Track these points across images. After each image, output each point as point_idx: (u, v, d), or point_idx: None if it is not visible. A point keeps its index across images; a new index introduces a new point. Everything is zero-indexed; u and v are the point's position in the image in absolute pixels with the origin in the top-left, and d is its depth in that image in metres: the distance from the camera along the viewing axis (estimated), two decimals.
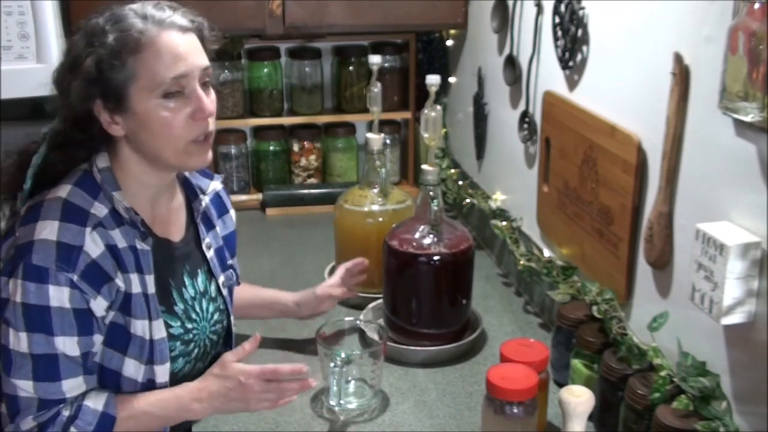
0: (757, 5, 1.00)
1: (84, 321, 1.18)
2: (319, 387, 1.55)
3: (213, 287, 1.41)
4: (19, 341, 1.15)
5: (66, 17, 1.98)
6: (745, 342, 1.12)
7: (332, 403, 1.48)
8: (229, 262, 1.48)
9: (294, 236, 2.32)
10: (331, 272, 1.99)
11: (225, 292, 1.43)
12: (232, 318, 1.46)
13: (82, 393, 1.21)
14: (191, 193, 1.41)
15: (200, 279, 1.38)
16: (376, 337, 1.59)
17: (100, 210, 1.22)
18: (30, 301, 1.14)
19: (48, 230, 1.16)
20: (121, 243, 1.23)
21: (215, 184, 1.45)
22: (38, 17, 1.77)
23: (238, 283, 1.53)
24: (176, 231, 1.36)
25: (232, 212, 1.53)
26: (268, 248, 2.24)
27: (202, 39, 1.27)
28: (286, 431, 1.44)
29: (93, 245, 1.18)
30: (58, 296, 1.15)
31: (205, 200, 1.41)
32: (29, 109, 2.27)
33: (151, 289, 1.26)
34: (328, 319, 1.60)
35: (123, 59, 1.18)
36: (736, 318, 1.09)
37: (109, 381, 1.25)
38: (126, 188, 1.26)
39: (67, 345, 1.17)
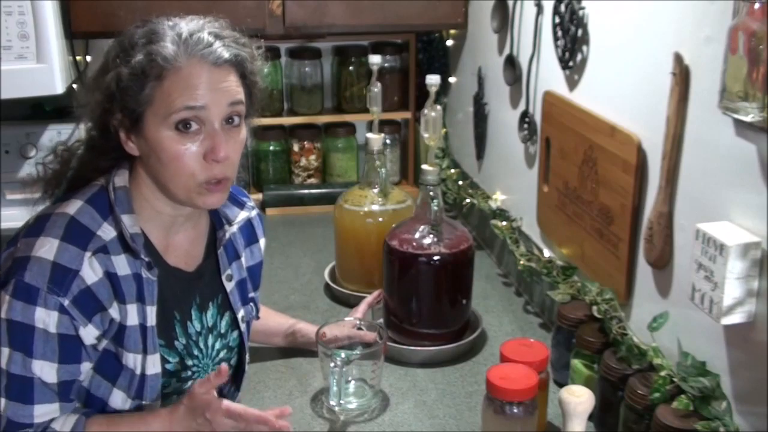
0: (757, 5, 1.00)
1: (69, 348, 1.14)
2: (319, 387, 1.55)
3: (224, 323, 1.34)
4: None
5: (66, 17, 1.98)
6: (745, 342, 1.12)
7: (332, 403, 1.48)
8: (251, 294, 1.42)
9: (294, 236, 2.32)
10: (332, 272, 2.00)
11: (243, 327, 1.37)
12: (246, 355, 1.41)
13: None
14: (217, 221, 1.33)
15: (210, 313, 1.32)
16: (376, 337, 1.59)
17: (107, 232, 1.17)
18: (15, 318, 1.10)
19: (47, 248, 1.12)
20: (124, 270, 1.18)
21: (245, 214, 1.36)
22: (38, 17, 1.77)
23: (257, 318, 1.47)
24: (192, 260, 1.30)
25: (263, 242, 1.46)
26: (268, 248, 2.21)
27: (244, 75, 1.20)
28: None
29: (90, 271, 1.14)
30: (45, 319, 1.11)
31: (230, 231, 1.34)
32: (29, 109, 2.27)
33: (152, 321, 1.21)
34: (328, 320, 1.60)
35: (142, 83, 1.13)
36: (736, 318, 1.09)
37: (94, 408, 1.21)
38: (140, 212, 1.21)
39: (45, 370, 1.13)
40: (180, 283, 1.27)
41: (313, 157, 2.63)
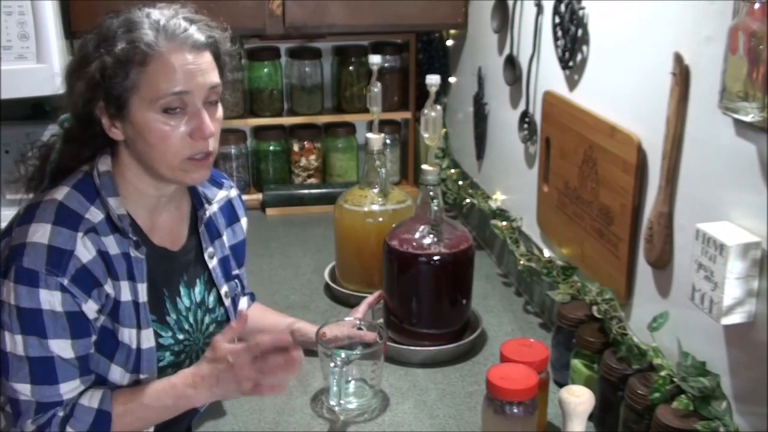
0: (757, 5, 1.00)
1: (78, 324, 1.18)
2: (319, 387, 1.55)
3: (211, 298, 1.40)
4: (15, 344, 1.16)
5: (66, 17, 1.98)
6: (745, 342, 1.12)
7: (332, 403, 1.48)
8: (235, 272, 1.46)
9: (294, 236, 2.32)
10: (332, 272, 2.00)
11: (227, 302, 1.41)
12: None
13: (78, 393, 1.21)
14: (197, 201, 1.39)
15: (197, 289, 1.37)
16: (376, 337, 1.59)
17: (95, 215, 1.21)
18: (22, 304, 1.15)
19: (40, 233, 1.17)
20: (114, 250, 1.22)
21: (224, 194, 1.42)
22: (38, 17, 1.77)
23: (244, 294, 1.50)
24: (177, 239, 1.35)
25: (244, 221, 1.50)
26: (268, 248, 2.24)
27: (218, 55, 1.26)
28: (286, 431, 1.44)
29: (84, 250, 1.18)
30: (50, 300, 1.15)
31: (210, 210, 1.39)
32: (29, 109, 2.27)
33: (143, 297, 1.25)
34: (328, 319, 1.60)
35: (127, 70, 1.18)
36: (736, 318, 1.09)
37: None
38: (125, 194, 1.26)
39: (62, 347, 1.17)
40: (166, 261, 1.32)
41: (313, 157, 2.63)
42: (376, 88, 1.90)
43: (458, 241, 1.66)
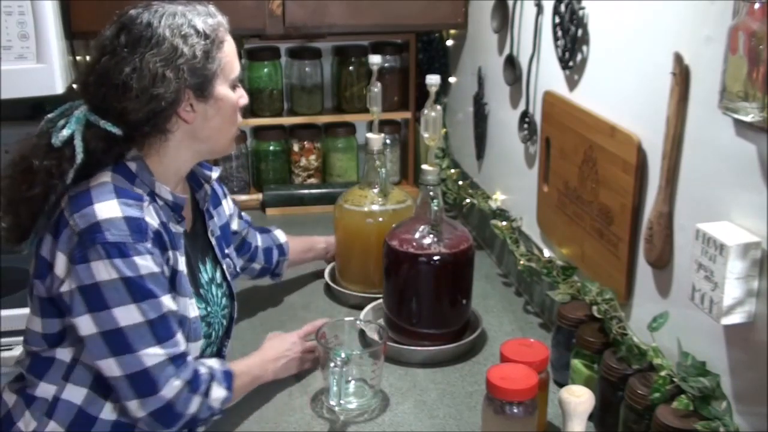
0: (757, 5, 1.00)
1: (165, 282, 1.25)
2: (319, 387, 1.55)
3: (218, 274, 1.47)
4: (132, 314, 1.19)
5: (66, 17, 1.98)
6: (745, 342, 1.12)
7: (332, 403, 1.48)
8: (227, 251, 1.54)
9: (294, 236, 2.31)
10: (332, 272, 2.00)
11: (229, 278, 1.50)
12: (235, 305, 1.52)
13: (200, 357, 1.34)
14: (195, 184, 1.46)
15: (209, 266, 1.46)
16: (376, 337, 1.60)
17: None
18: (126, 274, 1.18)
19: (108, 209, 1.21)
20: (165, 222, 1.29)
21: (216, 174, 1.49)
22: (38, 17, 1.77)
23: (236, 273, 1.59)
24: (188, 219, 1.43)
25: (224, 202, 1.59)
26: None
27: None
28: (286, 431, 1.44)
29: (151, 217, 1.24)
30: (144, 264, 1.21)
31: (209, 189, 1.47)
32: (29, 109, 2.27)
33: (185, 270, 1.32)
34: (328, 320, 1.61)
35: (215, 51, 1.29)
36: (736, 318, 1.09)
37: None
38: (156, 176, 1.31)
39: (169, 302, 1.25)
40: (189, 239, 1.40)
41: (313, 157, 2.63)
42: (376, 88, 1.90)
43: (458, 241, 1.66)
